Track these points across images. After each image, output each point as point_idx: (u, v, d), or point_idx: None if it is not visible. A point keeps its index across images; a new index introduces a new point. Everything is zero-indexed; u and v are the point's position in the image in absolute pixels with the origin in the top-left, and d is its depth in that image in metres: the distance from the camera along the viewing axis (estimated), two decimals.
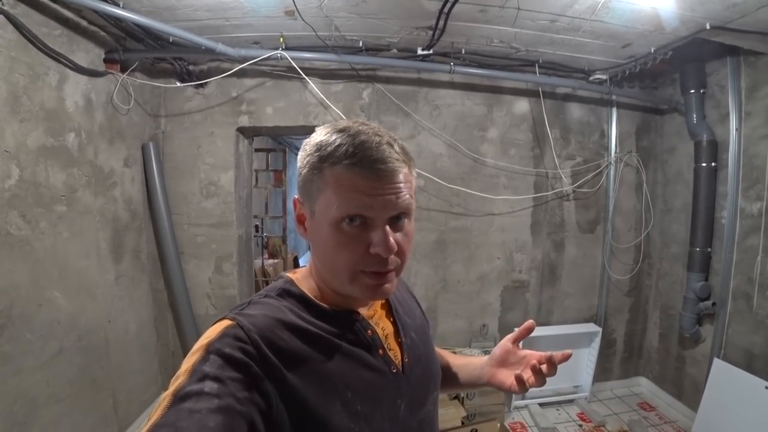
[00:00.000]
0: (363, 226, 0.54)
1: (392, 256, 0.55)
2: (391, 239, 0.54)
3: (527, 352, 0.71)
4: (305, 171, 0.56)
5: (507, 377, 0.71)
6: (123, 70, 2.14)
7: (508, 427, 2.43)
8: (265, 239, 4.83)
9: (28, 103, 1.61)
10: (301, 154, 0.58)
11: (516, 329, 0.73)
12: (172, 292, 2.50)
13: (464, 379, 0.82)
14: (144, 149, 2.37)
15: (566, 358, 0.63)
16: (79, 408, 1.85)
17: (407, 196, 0.55)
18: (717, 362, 2.30)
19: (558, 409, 2.81)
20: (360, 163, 0.52)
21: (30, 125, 1.63)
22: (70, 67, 1.82)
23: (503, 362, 0.74)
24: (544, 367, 0.64)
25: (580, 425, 2.62)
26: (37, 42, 1.62)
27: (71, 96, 1.84)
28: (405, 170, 0.55)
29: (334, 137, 0.54)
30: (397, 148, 0.55)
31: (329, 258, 0.57)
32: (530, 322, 0.70)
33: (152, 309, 2.48)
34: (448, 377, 0.83)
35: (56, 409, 1.72)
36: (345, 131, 0.55)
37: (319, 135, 0.57)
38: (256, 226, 4.46)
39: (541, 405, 2.81)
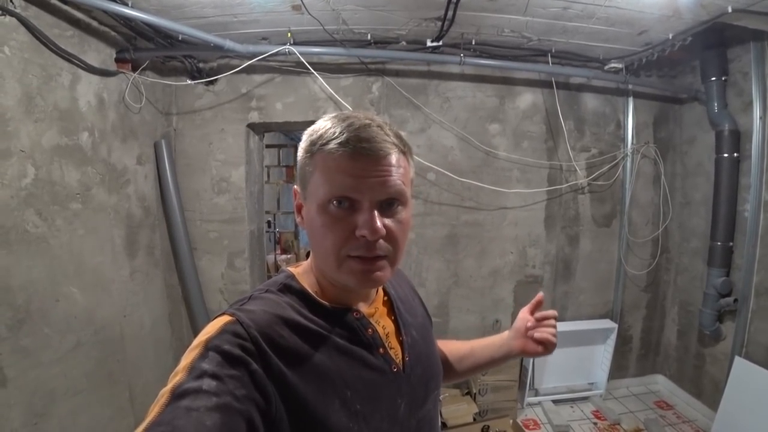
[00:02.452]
0: (350, 209, 0.53)
1: (382, 242, 0.54)
2: (378, 222, 0.52)
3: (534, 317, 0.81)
4: (300, 158, 0.58)
5: (534, 345, 0.78)
6: (134, 69, 2.16)
7: (520, 424, 2.40)
8: (278, 235, 4.86)
9: (42, 104, 1.64)
10: (299, 145, 0.60)
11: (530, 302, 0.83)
12: (185, 288, 2.53)
13: (489, 358, 0.86)
14: (156, 147, 2.40)
15: (538, 301, 0.80)
16: (96, 400, 1.90)
17: (398, 181, 0.54)
18: (738, 361, 2.23)
19: (572, 407, 2.77)
20: (346, 143, 0.52)
21: (44, 125, 1.66)
22: (82, 68, 1.85)
23: (526, 332, 0.80)
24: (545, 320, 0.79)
25: (595, 423, 2.58)
26: (49, 43, 1.64)
27: (84, 96, 1.87)
28: (395, 154, 0.54)
29: (327, 123, 0.55)
30: (388, 131, 0.55)
31: (317, 242, 0.57)
32: (540, 294, 0.80)
33: (166, 304, 2.51)
34: (470, 362, 0.87)
35: (74, 401, 1.77)
36: (338, 117, 0.56)
37: (316, 123, 0.58)
38: (269, 222, 4.49)
39: (554, 402, 2.77)
